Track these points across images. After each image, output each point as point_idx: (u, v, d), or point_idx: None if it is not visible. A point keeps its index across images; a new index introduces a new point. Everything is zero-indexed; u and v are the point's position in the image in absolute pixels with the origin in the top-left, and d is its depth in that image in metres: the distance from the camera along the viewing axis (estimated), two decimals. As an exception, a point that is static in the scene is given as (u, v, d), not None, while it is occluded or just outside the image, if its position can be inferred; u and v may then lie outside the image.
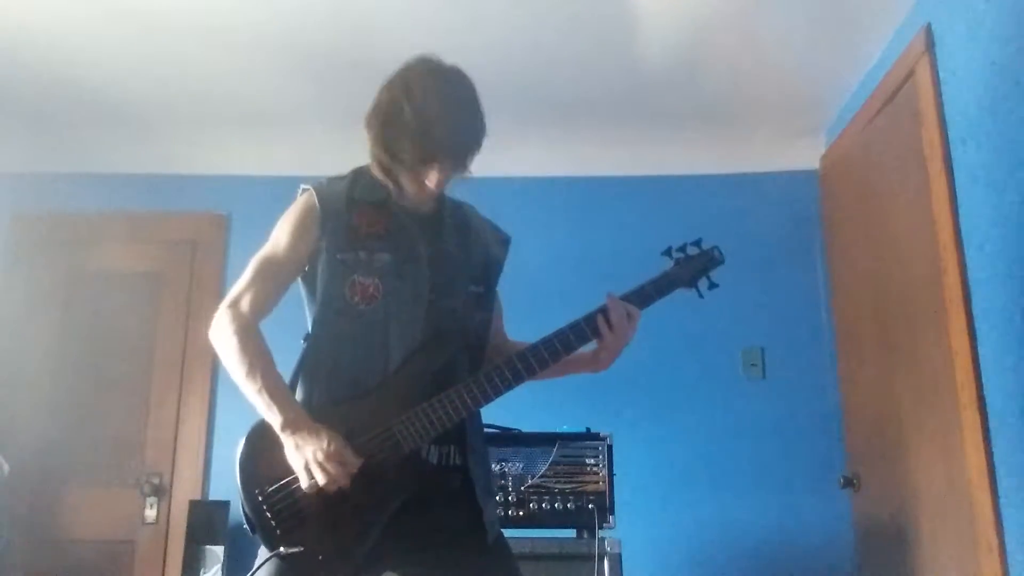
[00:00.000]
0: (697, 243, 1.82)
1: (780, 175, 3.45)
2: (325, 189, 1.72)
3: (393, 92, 1.70)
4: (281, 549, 1.52)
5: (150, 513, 3.24)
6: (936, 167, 2.33)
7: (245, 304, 1.64)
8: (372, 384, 1.62)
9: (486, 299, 1.79)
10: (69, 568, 3.14)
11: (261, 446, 1.60)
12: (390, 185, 1.71)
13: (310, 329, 1.70)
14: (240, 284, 1.67)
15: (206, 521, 2.98)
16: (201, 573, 2.90)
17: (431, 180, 1.67)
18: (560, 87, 3.08)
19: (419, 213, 1.75)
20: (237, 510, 3.08)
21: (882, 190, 2.79)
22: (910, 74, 2.50)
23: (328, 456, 1.52)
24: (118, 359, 3.42)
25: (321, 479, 1.52)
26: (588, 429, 2.53)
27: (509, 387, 1.64)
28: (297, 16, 2.66)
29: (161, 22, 2.68)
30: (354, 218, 1.68)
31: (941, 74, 2.34)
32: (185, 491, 3.24)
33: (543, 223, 3.46)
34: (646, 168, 3.49)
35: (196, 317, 3.42)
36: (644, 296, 1.75)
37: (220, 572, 2.89)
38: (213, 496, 3.22)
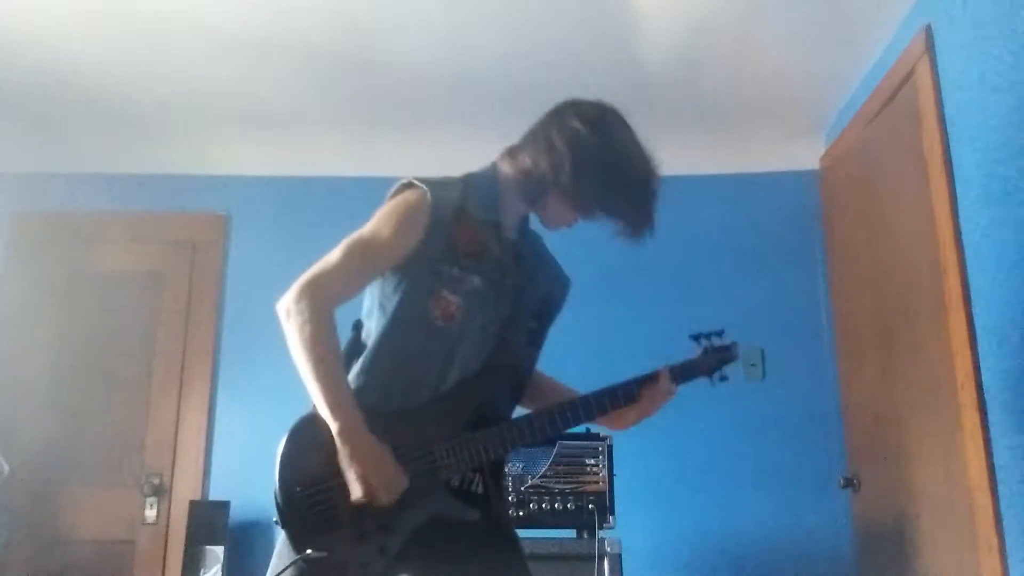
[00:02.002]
0: (720, 334, 1.89)
1: (780, 175, 3.45)
2: (438, 192, 1.63)
3: (611, 139, 1.72)
4: (309, 551, 1.50)
5: (150, 513, 3.24)
6: (936, 167, 2.33)
7: (330, 287, 1.55)
8: (421, 400, 1.59)
9: (539, 336, 1.79)
10: (69, 568, 3.14)
11: (305, 443, 1.54)
12: (530, 207, 1.71)
13: (379, 328, 1.63)
14: (328, 264, 1.57)
15: (206, 521, 2.97)
16: (201, 573, 2.90)
17: (568, 224, 1.78)
18: (560, 87, 3.05)
19: (509, 238, 1.72)
20: (237, 510, 3.10)
21: (882, 190, 2.79)
22: (910, 74, 2.50)
23: (383, 475, 1.49)
24: (118, 359, 3.42)
25: (378, 498, 1.49)
26: (588, 429, 2.52)
27: (553, 435, 1.68)
28: (297, 16, 2.66)
29: (161, 22, 2.68)
30: (457, 231, 1.62)
31: (941, 74, 2.34)
32: (185, 491, 3.24)
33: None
34: (646, 168, 3.49)
35: (196, 317, 3.43)
36: (679, 377, 1.80)
37: (220, 572, 2.89)
38: (213, 496, 3.22)
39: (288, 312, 1.54)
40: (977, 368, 2.13)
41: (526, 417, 1.65)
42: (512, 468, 2.46)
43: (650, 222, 1.70)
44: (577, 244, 3.39)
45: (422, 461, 1.55)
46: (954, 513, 2.27)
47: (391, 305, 1.62)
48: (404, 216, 1.61)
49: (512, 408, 1.74)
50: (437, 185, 1.64)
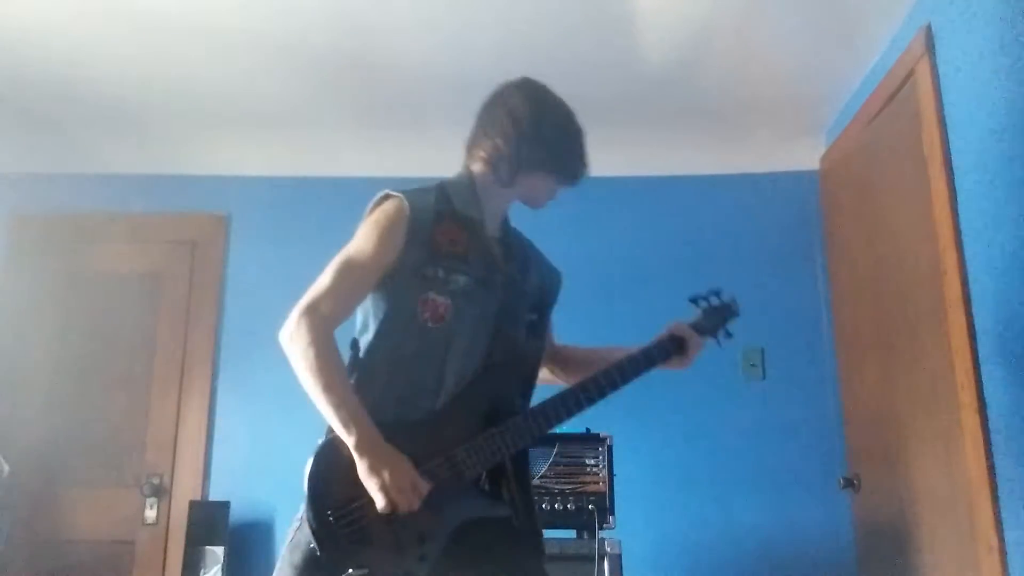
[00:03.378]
0: (717, 293, 1.95)
1: (780, 175, 3.45)
2: (415, 199, 1.68)
3: (551, 104, 1.83)
4: (350, 571, 1.50)
5: (150, 513, 3.24)
6: (936, 167, 2.33)
7: (325, 310, 1.58)
8: (421, 406, 1.61)
9: (540, 327, 1.82)
10: (69, 568, 3.14)
11: (331, 464, 1.55)
12: (503, 191, 1.78)
13: (371, 338, 1.66)
14: (320, 287, 1.60)
15: (206, 521, 2.98)
16: (201, 574, 2.90)
17: (552, 196, 1.85)
18: (560, 87, 3.05)
19: (493, 236, 1.78)
20: (237, 510, 3.10)
21: (882, 190, 2.79)
22: (910, 74, 2.50)
23: (404, 480, 1.52)
24: (118, 359, 3.41)
25: (402, 504, 1.51)
26: (588, 429, 2.53)
27: (573, 415, 1.68)
28: (297, 17, 2.66)
29: (161, 22, 2.68)
30: (438, 233, 1.66)
31: (941, 74, 2.34)
32: (185, 491, 3.24)
33: (543, 223, 3.45)
34: (646, 168, 3.49)
35: (196, 317, 3.43)
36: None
37: (220, 573, 2.89)
38: (213, 496, 3.22)
39: (291, 338, 1.57)
40: (977, 368, 2.12)
41: (541, 405, 1.68)
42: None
43: (587, 164, 1.87)
44: (577, 245, 3.42)
45: (445, 466, 1.57)
46: (954, 513, 2.27)
47: (381, 314, 1.66)
48: (386, 227, 1.65)
49: (526, 400, 1.75)
50: (413, 193, 1.69)
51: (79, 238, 3.54)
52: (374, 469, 1.51)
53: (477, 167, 1.79)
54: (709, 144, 3.43)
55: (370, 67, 2.94)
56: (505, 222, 1.85)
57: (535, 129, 1.75)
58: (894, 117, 2.66)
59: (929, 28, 2.40)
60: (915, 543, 2.54)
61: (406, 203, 1.66)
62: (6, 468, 3.03)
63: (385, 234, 1.64)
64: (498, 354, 1.68)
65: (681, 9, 2.61)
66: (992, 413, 2.07)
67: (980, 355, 2.12)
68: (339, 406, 1.53)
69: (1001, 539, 2.02)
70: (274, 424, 3.16)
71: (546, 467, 2.46)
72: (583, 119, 3.61)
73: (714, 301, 1.94)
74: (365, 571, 1.51)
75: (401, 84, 3.05)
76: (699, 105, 3.21)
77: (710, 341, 1.91)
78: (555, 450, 2.47)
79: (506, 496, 1.66)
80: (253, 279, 3.41)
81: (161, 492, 3.26)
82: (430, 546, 1.56)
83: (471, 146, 1.81)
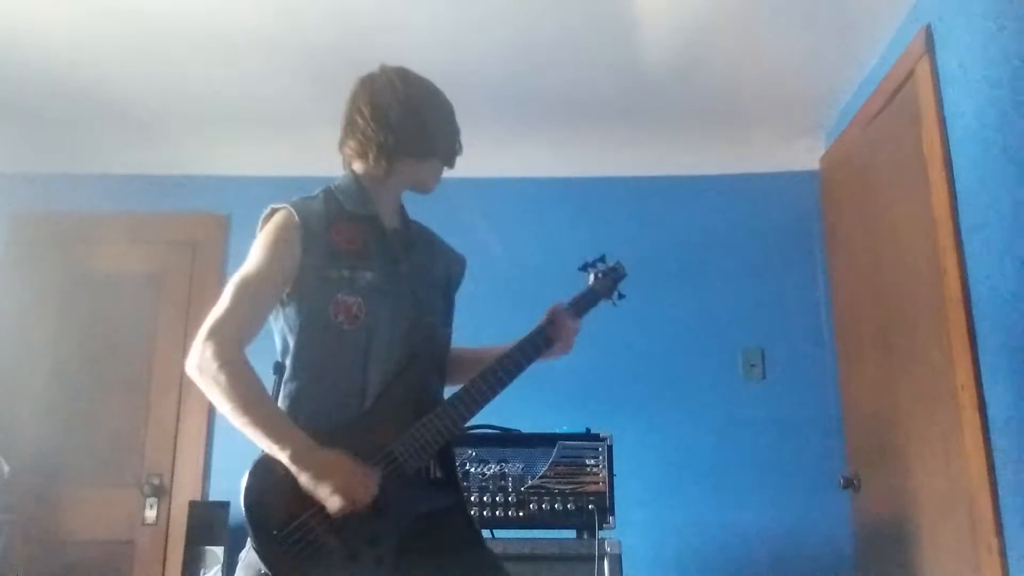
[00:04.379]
0: (602, 259, 1.98)
1: (780, 175, 3.46)
2: (302, 206, 1.67)
3: (409, 87, 1.78)
4: None
5: (150, 513, 3.24)
6: (936, 167, 2.33)
7: (228, 332, 1.54)
8: (353, 407, 1.60)
9: (450, 315, 1.83)
10: (69, 568, 3.14)
11: (267, 482, 1.51)
12: (388, 183, 1.76)
13: (292, 352, 1.64)
14: (219, 310, 1.56)
15: (206, 521, 2.97)
16: (201, 574, 2.90)
17: (437, 177, 1.80)
18: (560, 87, 3.08)
19: (392, 229, 1.78)
20: (237, 510, 3.09)
21: (882, 190, 2.79)
22: (910, 74, 2.50)
23: (355, 473, 1.51)
24: (118, 359, 3.42)
25: (361, 496, 1.50)
26: (588, 429, 2.53)
27: (492, 397, 1.69)
28: (297, 17, 2.66)
29: (161, 23, 2.69)
30: (333, 235, 1.66)
31: (941, 74, 2.34)
32: (185, 491, 3.24)
33: (543, 223, 3.46)
34: (646, 168, 3.49)
35: (196, 317, 3.39)
36: (579, 309, 1.86)
37: (220, 573, 2.89)
38: (213, 496, 3.23)
39: (199, 369, 1.52)
40: (977, 368, 2.12)
41: (465, 387, 1.68)
42: (512, 468, 2.46)
43: (458, 140, 1.83)
44: (576, 245, 3.41)
45: (383, 464, 1.56)
46: (954, 513, 2.27)
47: (296, 328, 1.63)
48: (276, 239, 1.63)
49: (443, 391, 1.77)
50: (300, 201, 1.68)
51: (79, 238, 3.54)
52: (320, 475, 1.48)
53: (357, 165, 1.79)
54: (709, 144, 3.43)
55: (371, 67, 2.93)
56: (403, 213, 1.85)
57: (394, 117, 1.74)
58: (894, 117, 2.66)
59: (929, 28, 2.40)
60: (915, 543, 2.54)
61: (295, 212, 1.64)
62: (6, 468, 3.03)
63: (278, 245, 1.62)
64: (417, 345, 1.68)
65: (681, 9, 2.61)
66: (992, 413, 2.07)
67: (980, 355, 2.12)
68: (264, 422, 1.50)
69: (1001, 539, 2.02)
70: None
71: (546, 467, 2.46)
72: (583, 119, 3.62)
73: (601, 267, 1.96)
74: None
75: (401, 84, 3.05)
76: (699, 105, 3.21)
77: (605, 303, 1.95)
78: (555, 450, 2.47)
79: (442, 485, 1.68)
80: (253, 279, 3.41)
81: (161, 492, 3.26)
82: (384, 548, 1.54)
83: (341, 146, 1.82)
